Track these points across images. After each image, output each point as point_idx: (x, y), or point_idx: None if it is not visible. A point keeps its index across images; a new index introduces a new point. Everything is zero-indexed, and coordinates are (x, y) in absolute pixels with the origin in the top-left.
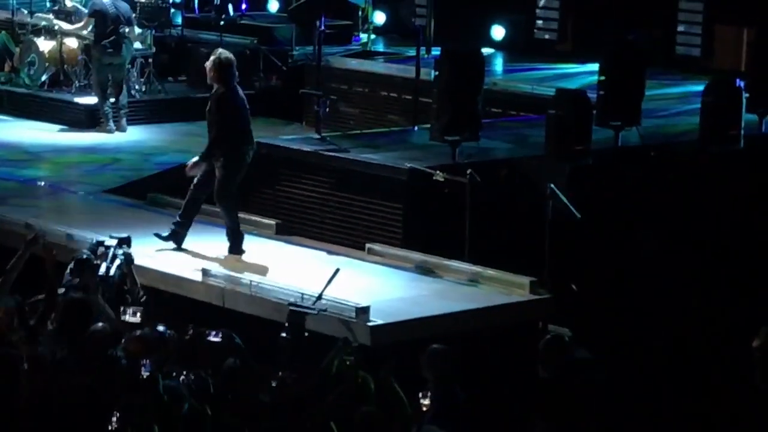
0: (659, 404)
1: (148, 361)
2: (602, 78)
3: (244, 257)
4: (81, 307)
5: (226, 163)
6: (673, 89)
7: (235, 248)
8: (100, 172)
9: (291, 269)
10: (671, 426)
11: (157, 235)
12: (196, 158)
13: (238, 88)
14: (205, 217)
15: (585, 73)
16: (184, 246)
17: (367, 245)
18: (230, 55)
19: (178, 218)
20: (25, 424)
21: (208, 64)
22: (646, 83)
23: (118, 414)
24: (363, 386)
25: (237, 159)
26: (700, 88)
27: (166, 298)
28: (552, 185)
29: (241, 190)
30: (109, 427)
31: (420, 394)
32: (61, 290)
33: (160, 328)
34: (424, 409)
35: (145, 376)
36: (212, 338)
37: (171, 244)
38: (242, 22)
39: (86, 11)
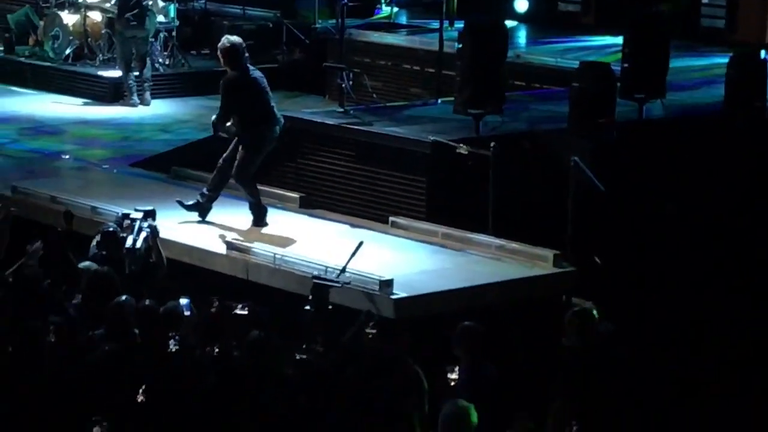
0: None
1: (175, 334)
2: (626, 50)
3: (268, 230)
4: (105, 280)
5: (247, 143)
6: (698, 61)
7: (259, 221)
8: (124, 146)
9: (315, 242)
10: (691, 399)
11: (180, 203)
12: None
13: (251, 69)
14: (230, 190)
15: (609, 45)
16: (208, 219)
17: (391, 218)
18: (237, 39)
19: (204, 190)
20: (51, 397)
21: (219, 52)
22: (671, 56)
23: (144, 386)
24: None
25: (257, 139)
26: (725, 60)
27: (190, 271)
28: (576, 158)
29: (264, 163)
30: (138, 399)
31: (447, 369)
32: (87, 263)
33: (184, 301)
34: (452, 384)
35: (173, 350)
36: (238, 311)
37: (194, 216)
38: None
39: None
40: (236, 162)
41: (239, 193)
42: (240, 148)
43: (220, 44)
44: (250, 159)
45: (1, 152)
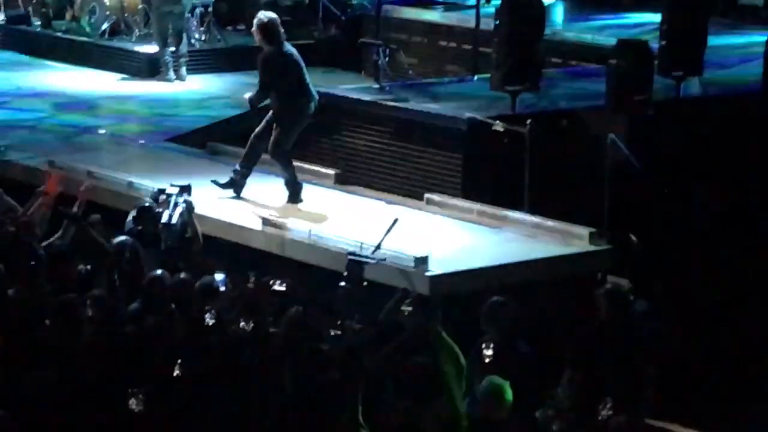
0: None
1: (211, 308)
2: (664, 28)
3: (304, 206)
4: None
5: (282, 119)
6: (736, 39)
7: (294, 198)
8: (159, 121)
9: (350, 219)
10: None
11: (215, 182)
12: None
13: (286, 45)
14: (265, 165)
15: (646, 22)
16: (243, 194)
17: (426, 195)
18: (273, 15)
19: (237, 167)
20: (89, 369)
21: (253, 28)
22: (708, 33)
23: (180, 360)
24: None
25: (293, 114)
26: (763, 38)
27: (225, 246)
28: (612, 135)
29: (300, 139)
30: (174, 373)
31: (483, 345)
32: (123, 237)
33: (219, 276)
34: (487, 360)
35: (210, 324)
36: (277, 287)
37: (230, 192)
38: None
39: None
40: (272, 138)
41: (275, 169)
42: (275, 124)
43: (256, 20)
44: (285, 135)
45: (37, 127)
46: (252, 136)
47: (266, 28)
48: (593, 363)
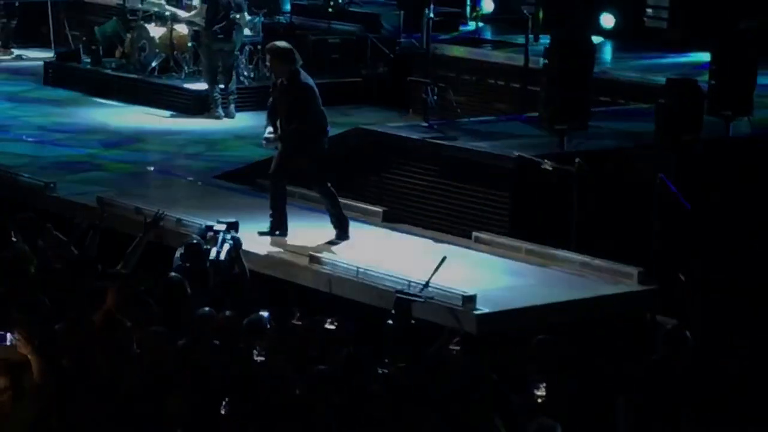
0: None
1: (259, 345)
2: (713, 67)
3: (351, 244)
4: (178, 289)
5: (310, 150)
6: None
7: (342, 234)
8: (208, 158)
9: (398, 257)
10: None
11: (261, 233)
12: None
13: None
14: (309, 203)
15: (695, 62)
16: (290, 232)
17: (474, 233)
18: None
19: (271, 212)
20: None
21: (271, 57)
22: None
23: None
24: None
25: (320, 147)
26: None
27: (271, 282)
28: (661, 175)
29: (348, 176)
30: (221, 411)
31: (533, 385)
32: (171, 274)
33: (264, 313)
34: (539, 401)
35: (258, 361)
36: (328, 326)
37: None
38: (350, 8)
39: None
40: (310, 176)
41: (319, 206)
42: (302, 157)
43: (273, 47)
44: (319, 166)
45: (86, 163)
46: (271, 177)
47: (290, 52)
48: (649, 402)
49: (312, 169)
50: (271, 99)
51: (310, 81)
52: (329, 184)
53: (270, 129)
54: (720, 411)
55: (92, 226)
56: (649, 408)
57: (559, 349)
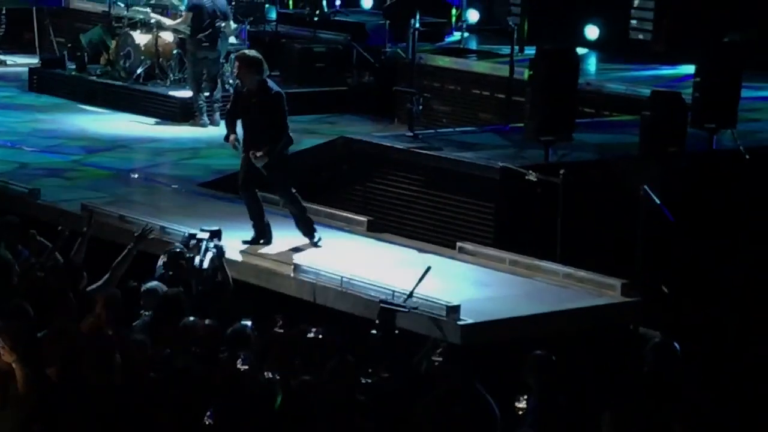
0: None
1: (244, 354)
2: (698, 80)
3: (336, 253)
4: (177, 302)
5: (281, 163)
6: None
7: (310, 235)
8: (193, 166)
9: (382, 266)
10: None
11: (246, 242)
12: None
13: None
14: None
15: (679, 74)
16: (275, 240)
17: (458, 244)
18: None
19: (252, 222)
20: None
21: (239, 64)
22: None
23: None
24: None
25: (286, 158)
26: None
27: (255, 291)
28: (645, 187)
29: (333, 185)
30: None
31: (516, 397)
32: (154, 282)
33: (246, 322)
34: (520, 413)
35: (242, 369)
36: (311, 335)
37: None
38: (336, 18)
39: (182, 6)
40: (279, 184)
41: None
42: (273, 170)
43: (242, 56)
44: (288, 176)
45: (71, 170)
46: (241, 188)
47: (261, 62)
48: (637, 414)
49: (279, 177)
50: (230, 105)
51: (280, 88)
52: (294, 190)
53: (234, 136)
54: (708, 423)
55: (77, 233)
56: (636, 421)
57: (557, 365)
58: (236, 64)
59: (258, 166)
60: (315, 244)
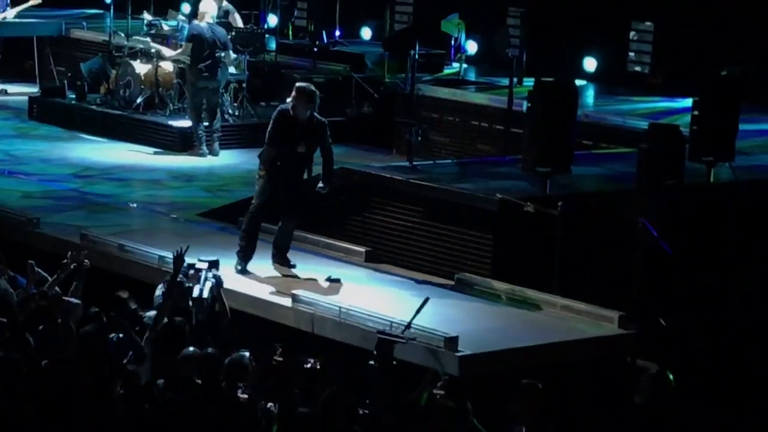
0: None
1: (243, 384)
2: (695, 113)
3: (334, 284)
4: (180, 332)
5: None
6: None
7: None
8: (192, 196)
9: (380, 297)
10: None
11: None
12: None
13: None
14: (294, 242)
15: (677, 107)
16: (272, 270)
17: (457, 275)
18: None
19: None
20: None
21: (298, 95)
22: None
23: None
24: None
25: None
26: None
27: (252, 321)
28: (643, 219)
29: (331, 216)
30: None
31: (512, 428)
32: (152, 312)
33: (245, 353)
34: None
35: (242, 399)
36: (309, 365)
37: (259, 267)
38: (335, 48)
39: (182, 35)
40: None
41: (304, 245)
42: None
43: (304, 87)
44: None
45: (70, 199)
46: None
47: (312, 92)
48: None
49: (300, 204)
50: (276, 126)
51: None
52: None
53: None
54: None
55: (76, 271)
56: None
57: (544, 394)
58: (293, 94)
59: (322, 193)
60: (291, 266)
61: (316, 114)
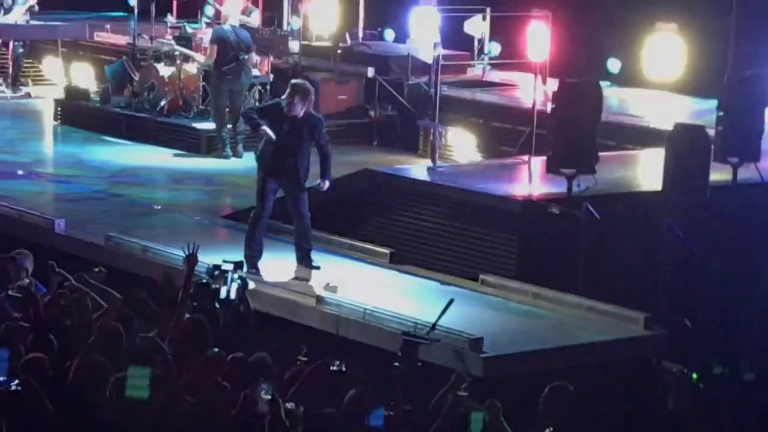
0: None
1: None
2: (721, 114)
3: (359, 285)
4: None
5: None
6: None
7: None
8: (216, 198)
9: (405, 298)
10: None
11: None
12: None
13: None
14: (319, 244)
15: (703, 108)
16: (295, 271)
17: (481, 276)
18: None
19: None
20: None
21: (299, 95)
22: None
23: None
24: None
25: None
26: None
27: (278, 322)
28: (669, 220)
29: (356, 218)
30: None
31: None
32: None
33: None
34: None
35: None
36: (334, 368)
37: (283, 268)
38: (358, 50)
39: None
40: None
41: (328, 247)
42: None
43: (304, 84)
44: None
45: (94, 202)
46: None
47: (309, 90)
48: None
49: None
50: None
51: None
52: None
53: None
54: None
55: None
56: None
57: (573, 396)
58: (288, 91)
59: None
60: (316, 267)
61: (312, 111)
